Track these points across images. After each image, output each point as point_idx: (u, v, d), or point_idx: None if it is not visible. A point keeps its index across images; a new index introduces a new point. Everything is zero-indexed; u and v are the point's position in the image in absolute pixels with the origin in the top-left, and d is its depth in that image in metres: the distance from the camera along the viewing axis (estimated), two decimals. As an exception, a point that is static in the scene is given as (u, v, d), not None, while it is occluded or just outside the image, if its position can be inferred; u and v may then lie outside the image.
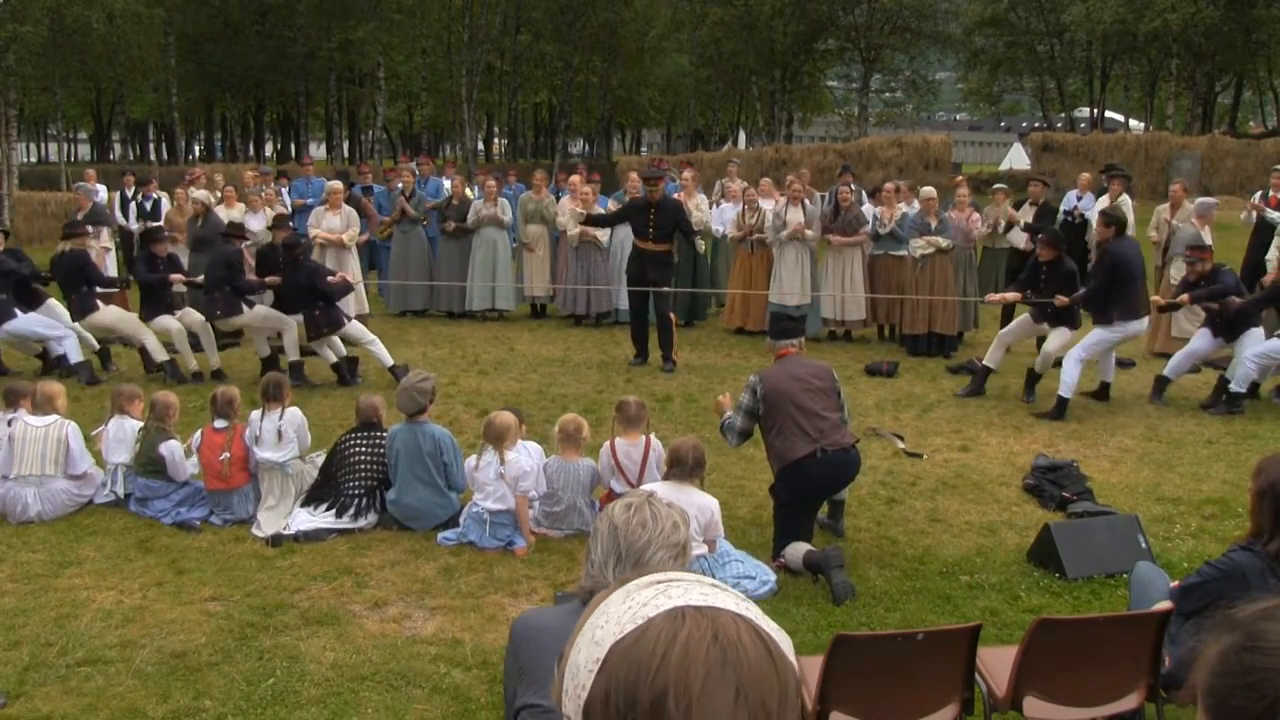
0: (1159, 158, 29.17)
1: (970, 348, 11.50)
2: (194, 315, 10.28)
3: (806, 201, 12.23)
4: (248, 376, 9.93)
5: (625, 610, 1.05)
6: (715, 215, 13.54)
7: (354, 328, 10.02)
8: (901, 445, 8.12)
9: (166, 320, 10.13)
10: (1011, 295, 9.90)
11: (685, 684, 0.96)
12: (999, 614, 5.27)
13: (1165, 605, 4.08)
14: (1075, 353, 8.98)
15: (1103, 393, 9.47)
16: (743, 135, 40.84)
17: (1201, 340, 9.41)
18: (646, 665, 0.98)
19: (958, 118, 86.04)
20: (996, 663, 4.02)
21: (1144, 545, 5.77)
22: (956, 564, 5.93)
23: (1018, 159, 39.94)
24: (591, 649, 1.03)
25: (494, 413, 6.56)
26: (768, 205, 12.44)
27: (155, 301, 10.22)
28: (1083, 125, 44.62)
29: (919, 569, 5.86)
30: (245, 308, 10.19)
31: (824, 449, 5.72)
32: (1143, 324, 9.12)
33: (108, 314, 10.32)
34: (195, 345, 10.30)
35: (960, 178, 16.22)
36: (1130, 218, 11.81)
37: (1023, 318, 9.80)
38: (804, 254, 12.03)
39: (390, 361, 9.94)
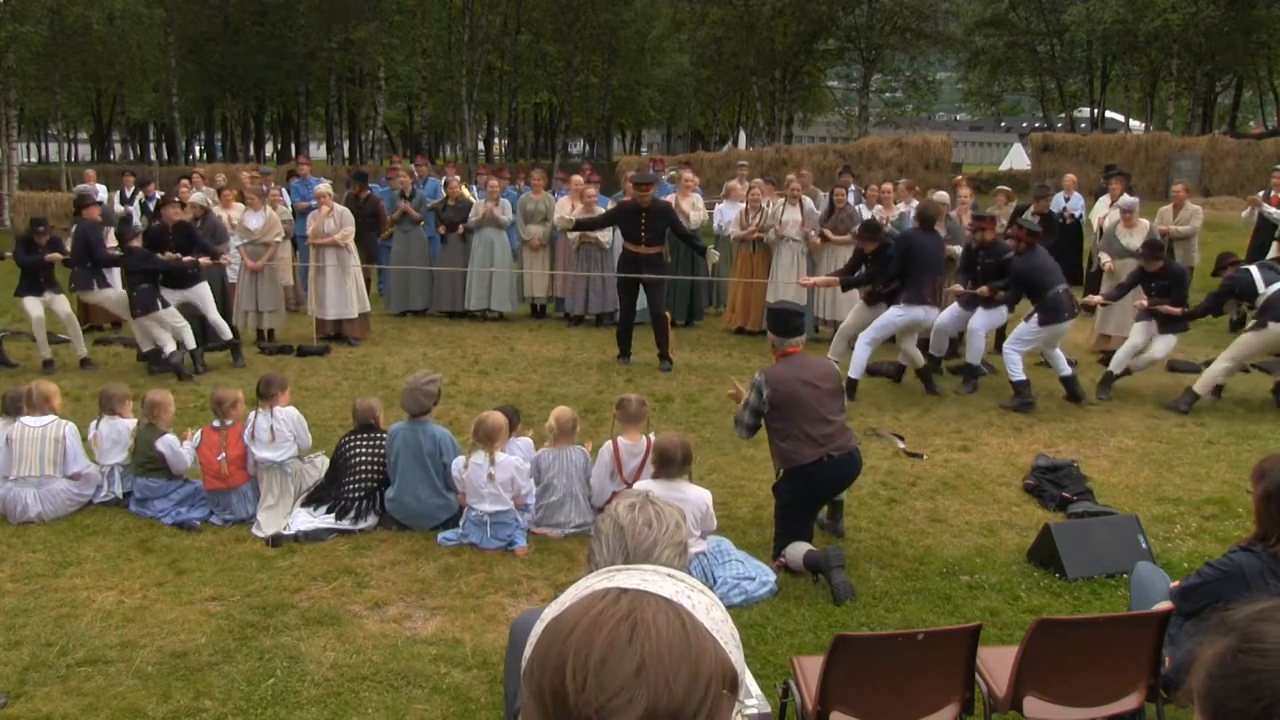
0: (1159, 158, 29.16)
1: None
2: (63, 304, 10.61)
3: (808, 200, 12.25)
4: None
5: (572, 593, 1.10)
6: (717, 214, 13.56)
7: (168, 314, 10.32)
8: (902, 445, 8.12)
9: (30, 303, 10.50)
10: (822, 279, 10.60)
11: (585, 655, 0.99)
12: (999, 614, 5.27)
13: (1165, 606, 4.08)
14: (866, 334, 9.50)
15: (898, 375, 10.13)
16: (743, 135, 40.84)
17: (948, 316, 9.85)
18: (558, 636, 1.02)
19: (958, 118, 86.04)
20: (997, 663, 4.02)
21: (1144, 546, 5.77)
22: (957, 564, 5.93)
23: (1018, 159, 40.03)
24: (537, 626, 1.09)
25: (484, 413, 6.54)
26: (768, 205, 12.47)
27: (30, 281, 10.54)
28: (1083, 125, 44.63)
29: (919, 569, 5.86)
30: (97, 285, 10.65)
31: (830, 454, 5.71)
32: (931, 312, 9.56)
33: None
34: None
35: (960, 178, 16.22)
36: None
37: (857, 306, 10.16)
38: (800, 254, 12.06)
39: (192, 345, 10.47)
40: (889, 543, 6.26)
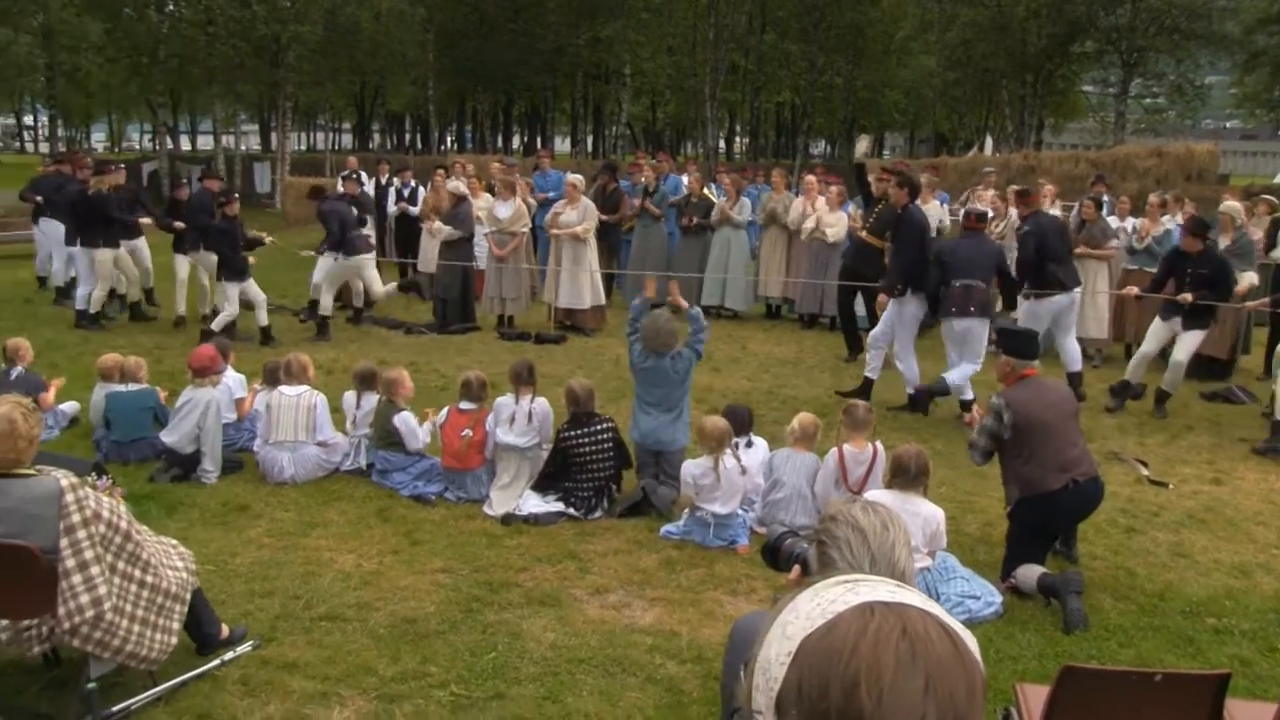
0: None
1: (1239, 373, 10.78)
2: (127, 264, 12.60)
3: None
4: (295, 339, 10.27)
5: (814, 606, 1.11)
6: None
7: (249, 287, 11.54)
8: (1145, 472, 7.65)
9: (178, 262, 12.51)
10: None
11: (877, 673, 1.00)
12: (1252, 665, 4.88)
13: None
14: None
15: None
16: (989, 140, 39.41)
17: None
18: (838, 656, 1.03)
19: (1228, 125, 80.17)
20: (1248, 719, 3.72)
21: None
22: (1202, 604, 5.54)
23: (1295, 171, 36.95)
24: (783, 643, 1.09)
25: (705, 418, 6.55)
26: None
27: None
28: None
29: (1158, 605, 5.51)
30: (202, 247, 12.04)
31: (1075, 480, 5.45)
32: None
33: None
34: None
35: (1229, 191, 15.17)
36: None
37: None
38: None
39: (265, 323, 11.51)
40: (1126, 574, 5.92)
